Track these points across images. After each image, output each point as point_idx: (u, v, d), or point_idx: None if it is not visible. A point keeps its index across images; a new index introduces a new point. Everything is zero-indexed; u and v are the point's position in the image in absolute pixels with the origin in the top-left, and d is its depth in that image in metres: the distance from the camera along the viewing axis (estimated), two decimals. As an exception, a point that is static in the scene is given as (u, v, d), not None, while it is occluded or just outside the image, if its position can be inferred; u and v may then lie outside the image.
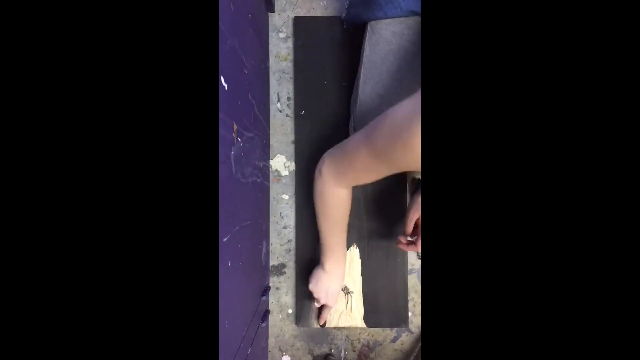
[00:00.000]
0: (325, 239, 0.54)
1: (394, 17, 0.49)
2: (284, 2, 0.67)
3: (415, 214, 0.60)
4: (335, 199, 0.49)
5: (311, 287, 0.59)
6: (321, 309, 0.64)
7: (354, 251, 0.67)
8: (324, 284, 0.58)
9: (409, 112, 0.32)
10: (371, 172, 0.42)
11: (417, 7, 0.47)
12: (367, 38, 0.53)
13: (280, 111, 0.68)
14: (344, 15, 0.63)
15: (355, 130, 0.57)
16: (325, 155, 0.49)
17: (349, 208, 0.51)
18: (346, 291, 0.67)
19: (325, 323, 0.66)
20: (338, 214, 0.51)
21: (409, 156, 0.33)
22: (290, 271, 0.69)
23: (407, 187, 0.68)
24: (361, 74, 0.53)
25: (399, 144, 0.33)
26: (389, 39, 0.50)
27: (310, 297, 0.63)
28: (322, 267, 0.57)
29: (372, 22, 0.52)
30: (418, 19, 0.48)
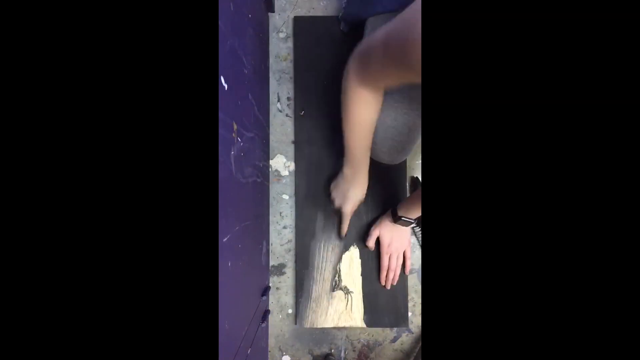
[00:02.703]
0: (347, 142, 0.51)
1: (392, 10, 0.48)
2: (284, 2, 0.67)
3: (375, 231, 0.63)
4: (357, 98, 0.46)
5: (331, 187, 0.60)
6: (341, 218, 0.63)
7: (354, 251, 0.67)
8: (342, 186, 0.58)
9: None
10: (387, 72, 0.39)
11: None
12: (366, 36, 0.52)
13: (280, 111, 0.68)
14: (340, 14, 0.63)
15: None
16: (354, 50, 0.45)
17: (374, 113, 0.48)
18: (346, 291, 0.67)
19: (346, 234, 0.66)
20: (360, 116, 0.47)
21: (416, 57, 0.31)
22: (290, 271, 0.69)
23: (407, 187, 0.68)
24: None
25: (413, 37, 0.31)
26: None
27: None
28: (342, 171, 0.57)
29: (371, 19, 0.51)
30: None
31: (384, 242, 0.63)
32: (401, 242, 0.63)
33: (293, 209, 0.68)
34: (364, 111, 0.47)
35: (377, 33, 0.39)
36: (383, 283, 0.66)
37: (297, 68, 0.67)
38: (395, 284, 0.66)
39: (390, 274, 0.65)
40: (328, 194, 0.62)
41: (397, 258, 0.64)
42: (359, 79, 0.43)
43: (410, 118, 0.50)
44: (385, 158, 0.56)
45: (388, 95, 0.50)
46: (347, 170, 0.55)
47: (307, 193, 0.67)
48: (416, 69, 0.32)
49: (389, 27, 0.37)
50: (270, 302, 0.69)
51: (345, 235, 0.65)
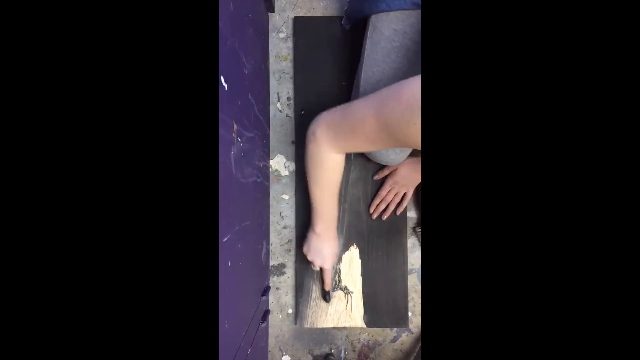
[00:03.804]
0: (317, 202, 0.53)
1: (397, 9, 0.48)
2: (284, 2, 0.67)
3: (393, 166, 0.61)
4: (330, 163, 0.48)
5: (305, 250, 0.59)
6: (322, 275, 0.63)
7: (354, 251, 0.67)
8: (316, 246, 0.58)
9: None
10: (376, 144, 0.41)
11: None
12: (368, 36, 0.52)
13: (280, 111, 0.68)
14: (345, 8, 0.63)
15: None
16: (320, 117, 0.46)
17: (342, 172, 0.51)
18: (346, 291, 0.67)
19: (329, 293, 0.65)
20: (331, 178, 0.50)
21: None
22: (290, 271, 0.69)
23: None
24: (362, 72, 0.53)
25: (417, 123, 0.32)
26: (390, 36, 0.50)
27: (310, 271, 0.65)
28: (314, 230, 0.57)
29: (374, 19, 0.51)
30: (419, 15, 0.48)
31: (393, 175, 0.62)
32: (409, 180, 0.62)
33: (293, 209, 0.68)
34: (335, 172, 0.49)
35: (360, 105, 0.40)
36: (371, 211, 0.65)
37: (297, 68, 0.67)
38: (384, 218, 0.65)
39: (382, 205, 0.64)
40: (303, 258, 0.61)
41: (397, 194, 0.63)
42: (334, 145, 0.45)
43: None
44: (383, 159, 0.56)
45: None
46: (318, 228, 0.56)
47: (307, 193, 0.67)
48: (418, 142, 0.34)
49: (378, 105, 0.38)
50: (270, 302, 0.69)
51: (329, 294, 0.65)
